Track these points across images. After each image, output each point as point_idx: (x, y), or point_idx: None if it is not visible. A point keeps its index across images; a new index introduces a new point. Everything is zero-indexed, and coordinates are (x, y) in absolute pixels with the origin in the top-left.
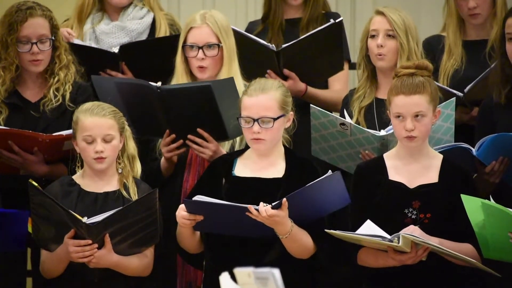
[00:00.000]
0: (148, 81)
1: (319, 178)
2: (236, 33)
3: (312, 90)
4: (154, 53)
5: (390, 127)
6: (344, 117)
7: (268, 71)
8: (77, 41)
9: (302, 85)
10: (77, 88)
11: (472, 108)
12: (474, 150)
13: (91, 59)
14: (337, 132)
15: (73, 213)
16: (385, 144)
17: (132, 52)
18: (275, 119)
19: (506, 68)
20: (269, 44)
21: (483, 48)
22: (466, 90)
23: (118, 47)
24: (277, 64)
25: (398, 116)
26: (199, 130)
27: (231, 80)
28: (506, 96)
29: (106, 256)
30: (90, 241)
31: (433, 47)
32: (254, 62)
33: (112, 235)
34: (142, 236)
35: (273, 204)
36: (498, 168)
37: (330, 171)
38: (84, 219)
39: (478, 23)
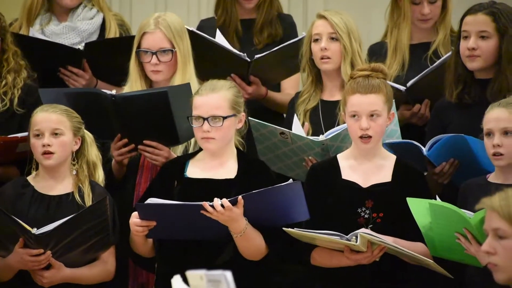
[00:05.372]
0: (108, 80)
1: (276, 180)
2: (205, 39)
3: (271, 93)
4: (118, 52)
5: (329, 131)
6: (291, 119)
7: (232, 75)
8: (40, 36)
9: (263, 89)
10: (26, 90)
11: (414, 104)
12: (424, 150)
13: (53, 55)
14: (279, 142)
15: (22, 223)
16: (326, 149)
17: (96, 50)
18: (224, 118)
19: (459, 67)
20: (241, 53)
21: (423, 51)
22: (408, 85)
23: (83, 44)
24: (246, 72)
25: (354, 116)
26: (146, 142)
27: (187, 86)
28: (458, 96)
29: (58, 274)
30: (41, 251)
31: (376, 54)
32: (219, 66)
33: (61, 241)
34: (94, 243)
35: (228, 199)
36: (448, 170)
37: (291, 179)
38: (34, 230)
39: (428, 27)
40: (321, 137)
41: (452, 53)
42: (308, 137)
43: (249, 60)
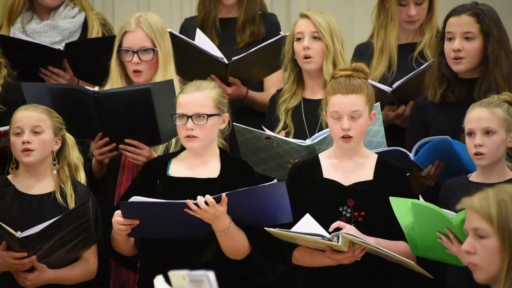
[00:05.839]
0: (89, 80)
1: (259, 179)
2: (184, 41)
3: (251, 93)
4: (99, 52)
5: (316, 135)
6: (272, 117)
7: (212, 76)
8: (21, 36)
9: (243, 90)
10: (7, 88)
11: (399, 105)
12: (411, 155)
13: (33, 55)
14: (265, 146)
15: (6, 227)
16: (312, 152)
17: (77, 50)
18: (208, 116)
19: (443, 68)
20: (219, 56)
21: (409, 52)
22: (394, 86)
23: (64, 44)
24: (224, 74)
25: (335, 116)
26: (127, 140)
27: (170, 82)
28: (442, 96)
29: (41, 276)
30: (25, 254)
31: (362, 54)
32: (198, 67)
33: (45, 244)
34: (76, 243)
35: (212, 197)
36: (434, 172)
37: (275, 180)
38: (18, 234)
39: (414, 28)
40: (308, 141)
41: (436, 54)
42: (295, 141)
43: (226, 62)
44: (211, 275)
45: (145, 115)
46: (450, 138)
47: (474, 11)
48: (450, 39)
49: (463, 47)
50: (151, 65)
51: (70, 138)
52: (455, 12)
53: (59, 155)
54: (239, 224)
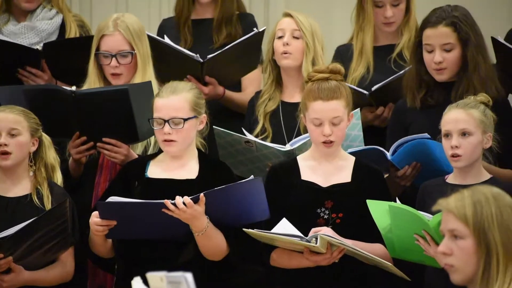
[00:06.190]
0: (66, 81)
1: (237, 180)
2: (159, 42)
3: (229, 93)
4: (77, 52)
5: (295, 140)
6: (251, 119)
7: (188, 76)
8: None
9: (220, 89)
10: None
11: (377, 107)
12: (388, 154)
13: (11, 56)
14: (244, 149)
15: None
16: (292, 157)
17: (55, 51)
18: (185, 120)
19: (422, 74)
20: (194, 54)
21: (388, 53)
22: (373, 89)
23: (42, 44)
24: (200, 73)
25: (316, 123)
26: (105, 139)
27: (148, 84)
28: (421, 101)
29: (17, 278)
30: (1, 255)
31: (342, 56)
32: (174, 67)
33: (21, 245)
34: (53, 245)
35: (190, 197)
36: (411, 173)
37: (252, 176)
38: None
39: (391, 30)
40: (287, 147)
41: (412, 62)
42: (274, 145)
43: (201, 60)
44: (189, 276)
45: (122, 114)
46: (428, 136)
47: (451, 21)
48: (429, 51)
49: (444, 58)
50: (130, 68)
51: (46, 139)
52: (430, 23)
53: (36, 156)
54: (217, 224)
